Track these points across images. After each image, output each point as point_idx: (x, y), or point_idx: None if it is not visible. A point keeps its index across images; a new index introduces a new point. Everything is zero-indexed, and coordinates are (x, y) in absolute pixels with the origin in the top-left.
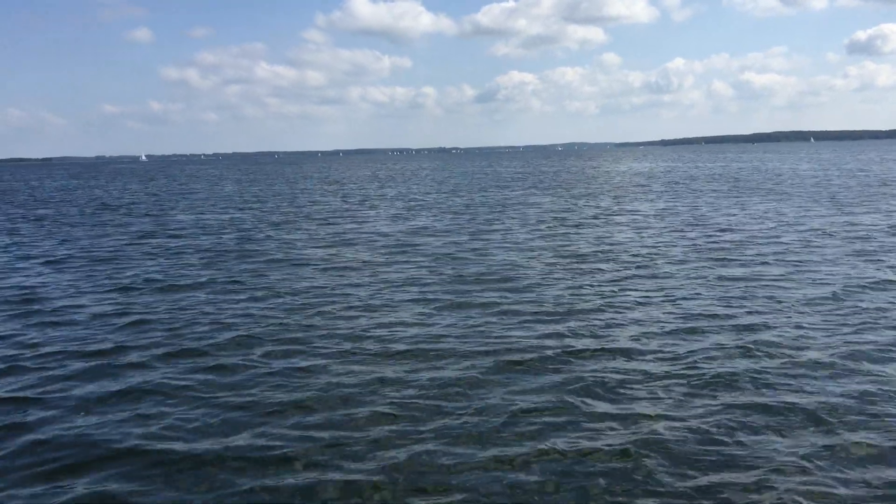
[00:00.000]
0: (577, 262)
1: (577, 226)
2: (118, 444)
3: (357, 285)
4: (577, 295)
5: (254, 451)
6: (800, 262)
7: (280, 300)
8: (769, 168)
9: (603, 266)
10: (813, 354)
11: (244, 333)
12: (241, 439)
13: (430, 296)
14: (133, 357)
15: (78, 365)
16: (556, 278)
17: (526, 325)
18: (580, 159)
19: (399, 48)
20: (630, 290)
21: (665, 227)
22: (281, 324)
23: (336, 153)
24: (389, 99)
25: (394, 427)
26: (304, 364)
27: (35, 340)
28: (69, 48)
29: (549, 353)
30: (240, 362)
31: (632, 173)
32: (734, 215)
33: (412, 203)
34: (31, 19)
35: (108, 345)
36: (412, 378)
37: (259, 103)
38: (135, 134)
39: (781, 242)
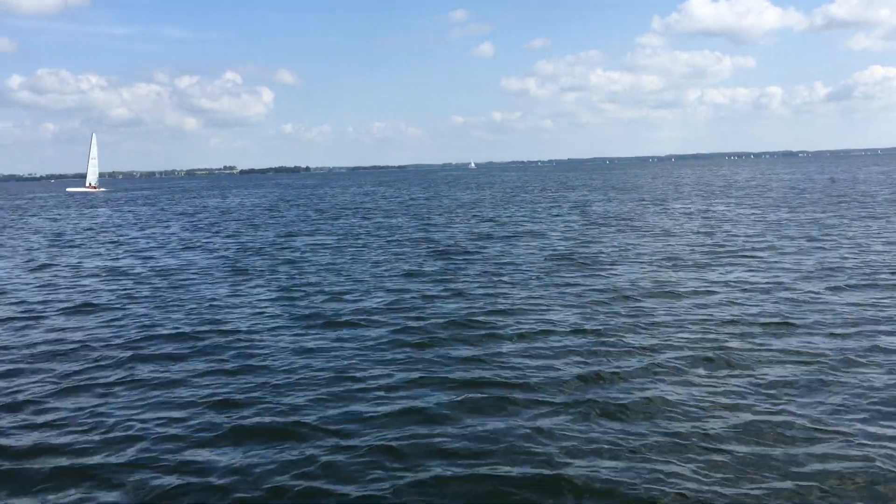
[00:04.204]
0: None
1: None
2: None
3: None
4: None
5: None
6: None
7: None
8: None
9: None
10: None
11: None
12: None
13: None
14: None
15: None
16: None
17: None
18: None
19: (741, 47)
20: None
21: None
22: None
23: (668, 158)
24: (730, 101)
25: None
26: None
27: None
28: (425, 66)
29: None
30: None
31: None
32: None
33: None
34: (396, 44)
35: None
36: None
37: (594, 109)
38: (478, 142)
39: None
